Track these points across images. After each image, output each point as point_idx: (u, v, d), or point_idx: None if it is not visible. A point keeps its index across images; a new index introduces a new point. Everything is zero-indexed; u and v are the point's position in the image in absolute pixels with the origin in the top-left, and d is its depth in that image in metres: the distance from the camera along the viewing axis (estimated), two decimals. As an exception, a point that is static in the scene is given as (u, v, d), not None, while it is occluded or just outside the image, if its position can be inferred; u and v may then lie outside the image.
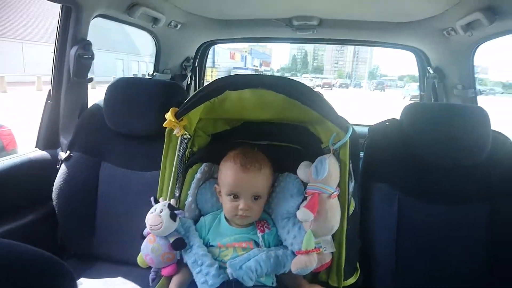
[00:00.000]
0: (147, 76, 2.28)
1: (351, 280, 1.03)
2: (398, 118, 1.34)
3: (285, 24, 2.04)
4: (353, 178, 1.01)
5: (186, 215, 1.05)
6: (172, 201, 1.03)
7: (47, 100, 1.56)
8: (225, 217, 1.04)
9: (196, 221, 1.07)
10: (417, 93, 2.53)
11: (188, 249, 0.98)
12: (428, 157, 1.24)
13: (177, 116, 1.03)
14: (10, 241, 0.44)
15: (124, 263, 1.33)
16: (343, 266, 0.99)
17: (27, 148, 1.55)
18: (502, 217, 1.21)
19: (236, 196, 0.99)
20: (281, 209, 1.03)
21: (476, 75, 1.93)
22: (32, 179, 1.43)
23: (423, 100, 2.29)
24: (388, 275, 1.23)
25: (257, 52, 59.03)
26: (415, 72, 2.38)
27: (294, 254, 0.95)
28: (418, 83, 2.43)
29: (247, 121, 1.16)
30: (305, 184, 1.01)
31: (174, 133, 1.06)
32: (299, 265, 0.91)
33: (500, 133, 1.28)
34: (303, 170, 1.01)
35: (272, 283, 0.97)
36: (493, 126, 1.24)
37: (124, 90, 1.41)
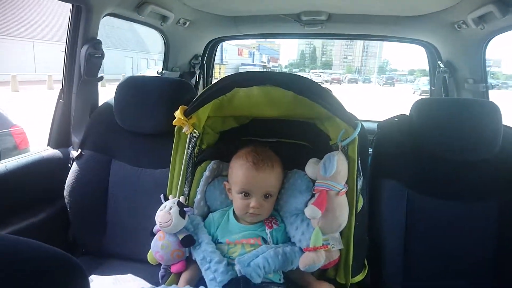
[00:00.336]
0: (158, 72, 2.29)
1: (359, 277, 1.03)
2: (408, 113, 1.32)
3: (293, 20, 2.03)
4: (361, 175, 1.01)
5: (195, 212, 1.06)
6: (182, 199, 1.04)
7: (58, 99, 1.58)
8: (233, 214, 1.05)
9: (205, 218, 1.08)
10: (428, 87, 2.49)
11: (197, 246, 0.99)
12: (437, 153, 1.23)
13: (186, 114, 1.04)
14: (22, 238, 0.44)
15: (134, 260, 1.35)
16: (351, 263, 0.99)
17: (39, 147, 1.57)
18: None
19: (247, 194, 0.99)
20: (289, 205, 1.03)
21: (488, 69, 1.89)
22: (44, 177, 1.46)
23: (433, 95, 2.26)
24: (397, 272, 1.23)
25: (265, 48, 58.72)
26: (426, 66, 2.35)
27: (302, 251, 0.95)
28: (428, 78, 2.40)
29: (256, 118, 1.16)
30: (313, 181, 1.01)
31: (183, 131, 1.07)
32: (307, 262, 0.91)
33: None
34: (311, 167, 1.00)
35: (279, 280, 0.98)
36: (506, 121, 1.22)
37: (134, 89, 1.42)
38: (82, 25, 1.46)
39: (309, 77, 1.06)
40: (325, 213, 0.91)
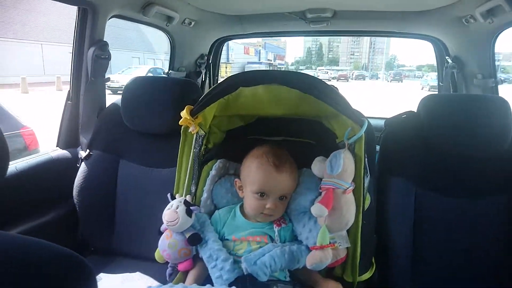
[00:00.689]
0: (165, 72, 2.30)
1: (367, 275, 1.03)
2: (416, 110, 1.31)
3: (299, 17, 2.02)
4: (368, 172, 1.00)
5: (202, 211, 1.07)
6: (188, 197, 1.05)
7: (66, 100, 1.60)
8: (240, 211, 1.05)
9: (211, 216, 1.08)
10: (436, 83, 2.46)
11: (204, 243, 0.99)
12: (446, 149, 1.21)
13: (192, 114, 1.04)
14: (31, 238, 0.45)
15: (142, 259, 1.37)
16: (358, 262, 0.98)
17: (48, 148, 1.59)
18: None
19: (263, 195, 0.99)
20: (297, 203, 1.03)
21: (497, 63, 1.86)
22: (53, 178, 1.48)
23: (441, 90, 2.23)
24: (405, 269, 1.22)
25: (271, 46, 58.54)
26: (434, 61, 2.32)
27: (308, 250, 0.95)
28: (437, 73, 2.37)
29: (262, 117, 1.16)
30: (320, 180, 1.00)
31: (189, 131, 1.07)
32: (314, 260, 0.91)
33: None
34: (318, 166, 1.00)
35: (285, 277, 0.98)
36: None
37: (141, 89, 1.43)
38: (88, 27, 1.48)
39: (315, 75, 1.06)
40: (332, 212, 0.91)
